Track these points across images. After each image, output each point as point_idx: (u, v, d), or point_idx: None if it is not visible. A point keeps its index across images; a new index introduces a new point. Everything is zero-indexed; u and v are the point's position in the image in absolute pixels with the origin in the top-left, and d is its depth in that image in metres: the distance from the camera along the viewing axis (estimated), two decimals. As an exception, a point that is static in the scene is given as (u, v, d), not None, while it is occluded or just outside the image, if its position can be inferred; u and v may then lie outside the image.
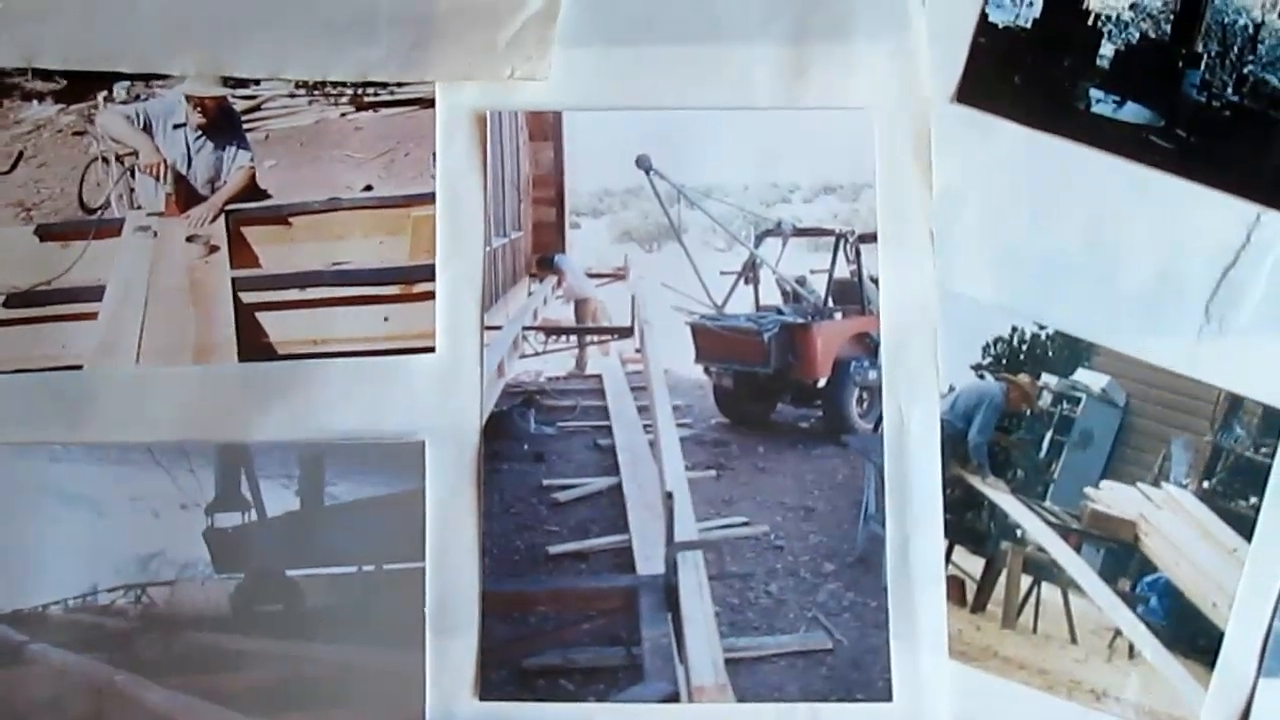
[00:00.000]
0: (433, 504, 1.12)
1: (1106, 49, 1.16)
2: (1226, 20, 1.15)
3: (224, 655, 1.12)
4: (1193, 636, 1.10)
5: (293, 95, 1.19)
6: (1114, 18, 1.16)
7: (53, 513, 1.14)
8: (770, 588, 1.11)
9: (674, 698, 1.07)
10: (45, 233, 1.20)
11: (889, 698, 1.07)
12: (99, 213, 1.21)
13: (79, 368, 1.15)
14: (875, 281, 1.12)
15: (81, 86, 1.20)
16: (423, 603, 1.09)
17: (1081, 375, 1.15)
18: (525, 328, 1.19)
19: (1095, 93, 1.16)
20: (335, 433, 1.13)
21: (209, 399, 1.15)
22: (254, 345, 1.15)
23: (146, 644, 1.13)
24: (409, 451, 1.12)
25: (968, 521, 1.13)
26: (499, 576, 1.11)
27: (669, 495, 1.12)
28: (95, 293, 1.17)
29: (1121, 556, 1.13)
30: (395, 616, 1.10)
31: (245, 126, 1.22)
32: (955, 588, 1.11)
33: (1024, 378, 1.15)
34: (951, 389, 1.13)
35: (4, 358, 1.16)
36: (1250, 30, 1.15)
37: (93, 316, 1.16)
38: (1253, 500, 1.11)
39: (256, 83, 1.19)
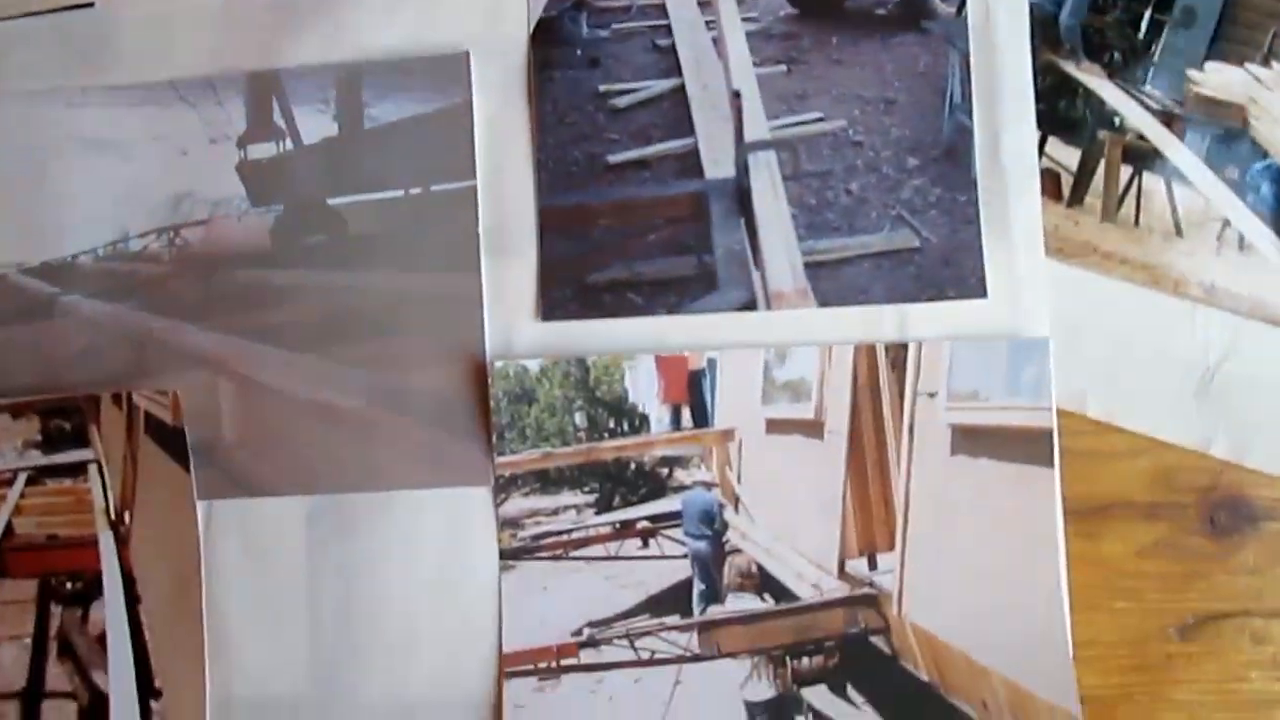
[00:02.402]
0: (481, 118, 1.03)
1: None
2: None
3: (266, 291, 1.04)
4: (1307, 222, 1.01)
5: None
6: None
7: (75, 160, 1.07)
8: (850, 186, 1.02)
9: (751, 305, 0.98)
10: None
11: (983, 294, 0.98)
12: None
13: (90, 5, 1.07)
14: None
15: None
16: (476, 223, 1.01)
17: (1182, -54, 1.04)
18: (571, -75, 1.09)
19: None
20: (372, 50, 1.04)
21: (233, 26, 1.06)
22: (278, -36, 1.06)
23: (183, 287, 1.06)
24: (452, 64, 1.04)
25: (1061, 110, 1.03)
26: (557, 190, 1.02)
27: (736, 94, 1.03)
28: (102, -78, 1.08)
29: (1229, 142, 1.03)
30: (447, 240, 1.02)
31: None
32: (1050, 181, 1.01)
33: (1119, -49, 1.05)
34: (1039, -34, 1.03)
35: (6, 1, 1.07)
36: None
37: (101, -52, 1.07)
38: (1373, 70, 1.01)
39: None
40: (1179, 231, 1.03)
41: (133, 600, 1.01)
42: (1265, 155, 1.03)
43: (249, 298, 1.04)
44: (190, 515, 0.99)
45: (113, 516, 1.01)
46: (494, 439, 0.98)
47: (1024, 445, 0.97)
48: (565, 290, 1.00)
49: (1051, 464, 0.95)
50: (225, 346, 1.04)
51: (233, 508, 1.00)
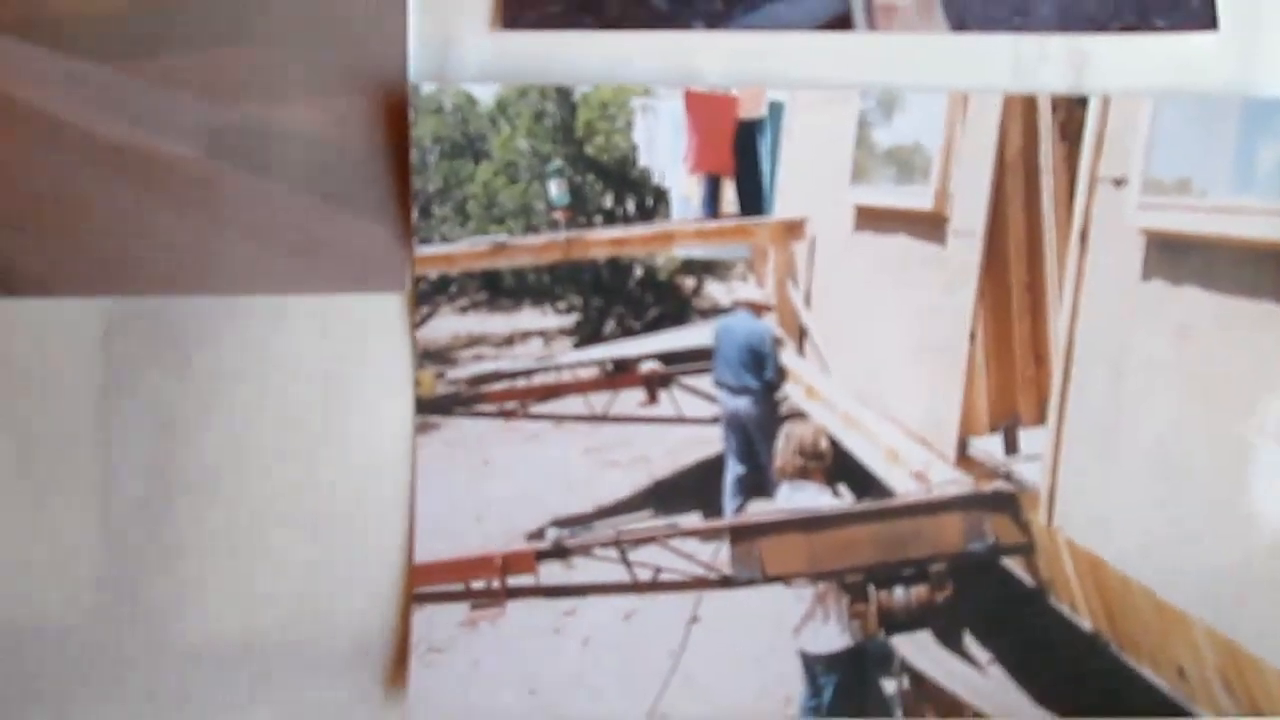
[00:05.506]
0: None
1: None
2: None
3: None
4: None
5: None
6: None
7: None
8: None
9: (844, 20, 0.69)
10: None
11: (1212, 24, 0.71)
12: None
13: None
14: None
15: None
16: None
17: None
18: None
19: None
20: None
21: None
22: None
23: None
24: None
25: None
26: None
27: None
28: None
29: None
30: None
31: None
32: None
33: None
34: None
35: None
36: None
37: None
38: None
39: None
40: None
41: None
42: None
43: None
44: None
45: None
46: (414, 217, 0.67)
47: (1260, 270, 0.66)
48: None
49: (1300, 302, 0.69)
50: None
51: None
